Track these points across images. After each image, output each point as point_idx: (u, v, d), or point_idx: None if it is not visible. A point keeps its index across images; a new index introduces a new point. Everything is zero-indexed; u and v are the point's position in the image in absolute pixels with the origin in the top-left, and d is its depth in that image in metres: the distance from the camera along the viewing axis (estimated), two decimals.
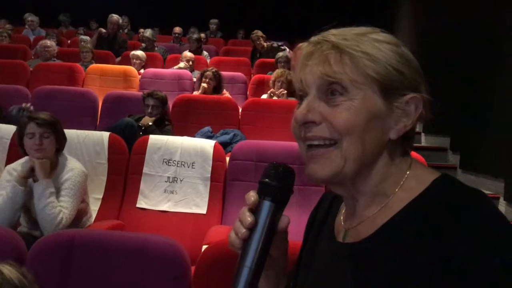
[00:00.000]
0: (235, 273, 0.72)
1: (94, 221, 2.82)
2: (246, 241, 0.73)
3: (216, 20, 9.25)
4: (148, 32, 6.96)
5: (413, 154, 0.84)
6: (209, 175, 2.93)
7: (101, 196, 2.97)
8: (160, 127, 3.85)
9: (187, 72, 5.47)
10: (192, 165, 2.96)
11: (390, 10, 7.93)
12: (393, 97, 0.72)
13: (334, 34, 0.74)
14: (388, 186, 0.74)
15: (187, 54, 5.89)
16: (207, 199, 2.92)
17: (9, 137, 3.06)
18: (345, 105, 0.71)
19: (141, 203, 2.94)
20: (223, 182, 2.96)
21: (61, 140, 2.60)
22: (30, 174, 2.42)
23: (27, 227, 2.55)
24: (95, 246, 1.80)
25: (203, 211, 2.90)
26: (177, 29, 8.19)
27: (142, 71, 5.74)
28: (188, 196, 2.93)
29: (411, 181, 0.74)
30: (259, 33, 6.91)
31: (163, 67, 6.20)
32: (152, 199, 2.95)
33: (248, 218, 0.72)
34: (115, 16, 6.81)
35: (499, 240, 0.63)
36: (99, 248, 1.79)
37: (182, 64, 5.76)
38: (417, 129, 5.95)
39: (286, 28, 9.37)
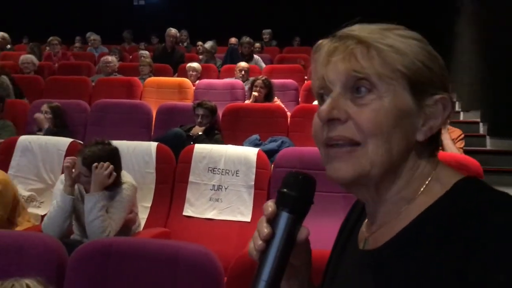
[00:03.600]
0: (251, 285, 0.69)
1: (143, 229, 2.90)
2: (263, 253, 0.69)
3: (269, 30, 9.30)
4: (208, 44, 7.16)
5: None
6: (253, 183, 2.93)
7: (149, 205, 3.05)
8: (210, 136, 3.91)
9: (239, 81, 5.53)
10: (236, 173, 2.97)
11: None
12: (423, 95, 0.68)
13: (358, 29, 0.70)
14: (411, 191, 0.70)
15: (241, 64, 5.96)
16: (251, 207, 2.92)
17: (64, 149, 3.24)
18: (373, 105, 0.67)
19: (188, 211, 2.99)
20: (267, 190, 2.94)
21: (117, 170, 2.57)
22: (73, 181, 2.51)
23: (79, 235, 2.66)
24: (131, 254, 1.84)
25: (248, 219, 2.90)
26: (233, 40, 8.34)
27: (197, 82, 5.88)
28: (232, 204, 2.94)
29: (434, 184, 0.69)
30: None
31: (217, 78, 6.31)
32: (198, 207, 2.99)
33: (265, 229, 0.69)
34: (172, 30, 7.04)
35: None
36: (134, 255, 1.83)
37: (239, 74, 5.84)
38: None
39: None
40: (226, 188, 2.98)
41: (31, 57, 6.21)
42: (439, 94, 0.68)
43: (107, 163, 2.48)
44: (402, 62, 0.67)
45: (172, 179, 3.09)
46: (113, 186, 2.57)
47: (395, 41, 0.68)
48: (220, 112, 4.29)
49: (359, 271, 0.73)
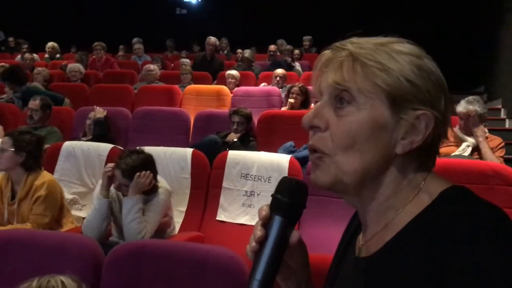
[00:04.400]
0: (247, 284, 0.74)
1: (178, 232, 2.99)
2: (257, 253, 0.74)
3: (309, 37, 9.36)
4: (247, 53, 7.28)
5: None
6: None
7: (184, 209, 3.15)
8: (245, 143, 3.98)
9: (276, 88, 5.59)
10: (269, 180, 3.02)
11: None
12: (403, 109, 0.70)
13: (352, 42, 0.74)
14: (398, 201, 0.73)
15: (278, 71, 6.02)
16: None
17: (105, 154, 3.39)
18: (350, 117, 0.71)
19: (221, 216, 3.07)
20: None
21: (154, 176, 2.71)
22: (109, 185, 2.65)
23: (117, 237, 2.78)
24: (162, 256, 1.92)
25: None
26: (272, 47, 8.40)
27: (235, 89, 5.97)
28: None
29: (423, 194, 0.71)
30: None
31: (256, 85, 6.39)
32: (231, 212, 3.06)
33: (258, 232, 0.74)
34: (212, 38, 7.19)
35: (494, 268, 0.59)
36: (165, 257, 1.91)
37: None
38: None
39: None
40: (258, 194, 3.04)
41: (78, 66, 6.50)
42: (422, 110, 0.70)
43: (148, 172, 2.60)
44: (383, 78, 0.70)
45: (206, 184, 3.18)
46: (150, 190, 2.67)
47: (384, 57, 0.70)
48: (256, 119, 4.36)
49: (353, 277, 0.77)
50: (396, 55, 0.71)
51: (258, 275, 0.72)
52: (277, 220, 0.73)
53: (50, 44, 8.57)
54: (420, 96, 0.70)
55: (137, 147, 2.73)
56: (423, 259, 0.64)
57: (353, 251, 0.82)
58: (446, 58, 0.73)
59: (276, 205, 0.74)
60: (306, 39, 9.39)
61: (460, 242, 0.61)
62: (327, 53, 0.76)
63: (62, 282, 1.36)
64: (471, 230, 0.61)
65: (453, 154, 3.62)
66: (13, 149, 2.82)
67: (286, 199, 0.73)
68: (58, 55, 8.60)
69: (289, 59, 7.11)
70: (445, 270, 0.61)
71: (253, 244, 0.74)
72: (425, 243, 0.65)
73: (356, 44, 0.73)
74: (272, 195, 0.76)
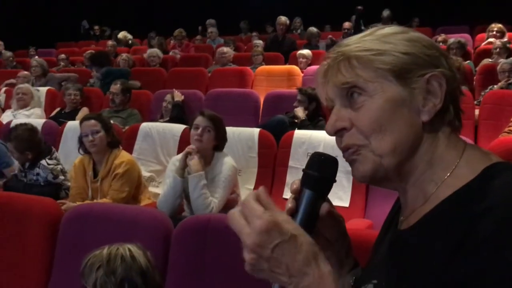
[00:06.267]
0: None
1: None
2: None
3: (388, 12, 8.99)
4: (312, 30, 7.22)
5: None
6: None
7: (252, 187, 3.25)
8: (314, 122, 3.98)
9: None
10: None
11: None
12: (411, 79, 0.73)
13: (339, 45, 0.78)
14: (436, 173, 0.74)
15: None
16: (349, 193, 2.96)
17: (179, 134, 3.57)
18: (367, 105, 0.74)
19: (287, 194, 3.12)
20: None
21: (221, 139, 2.88)
22: (185, 166, 2.79)
23: (188, 212, 2.95)
24: (225, 229, 2.01)
25: (346, 204, 2.95)
26: (347, 24, 8.25)
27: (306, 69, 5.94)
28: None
29: (463, 168, 0.72)
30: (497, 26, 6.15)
31: None
32: None
33: (289, 204, 0.79)
34: (282, 18, 7.19)
35: None
36: (228, 230, 2.00)
37: None
38: None
39: (467, 11, 8.63)
40: None
41: (156, 51, 6.80)
42: (428, 73, 0.73)
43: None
44: (382, 59, 0.73)
45: (273, 163, 3.25)
46: (213, 156, 2.85)
47: (374, 44, 0.74)
48: None
49: (391, 248, 0.80)
50: (384, 38, 0.74)
51: None
52: (306, 194, 0.78)
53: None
54: (420, 62, 0.73)
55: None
56: (459, 228, 0.64)
57: (395, 226, 0.84)
58: None
59: (306, 180, 0.78)
60: (385, 13, 9.06)
61: (492, 208, 0.62)
62: (323, 64, 0.79)
63: (129, 250, 1.51)
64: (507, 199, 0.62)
65: None
66: (104, 129, 3.05)
67: (315, 174, 0.77)
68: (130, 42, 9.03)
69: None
70: (471, 235, 0.62)
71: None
72: (465, 214, 0.65)
73: (343, 44, 0.77)
74: (302, 170, 0.79)
